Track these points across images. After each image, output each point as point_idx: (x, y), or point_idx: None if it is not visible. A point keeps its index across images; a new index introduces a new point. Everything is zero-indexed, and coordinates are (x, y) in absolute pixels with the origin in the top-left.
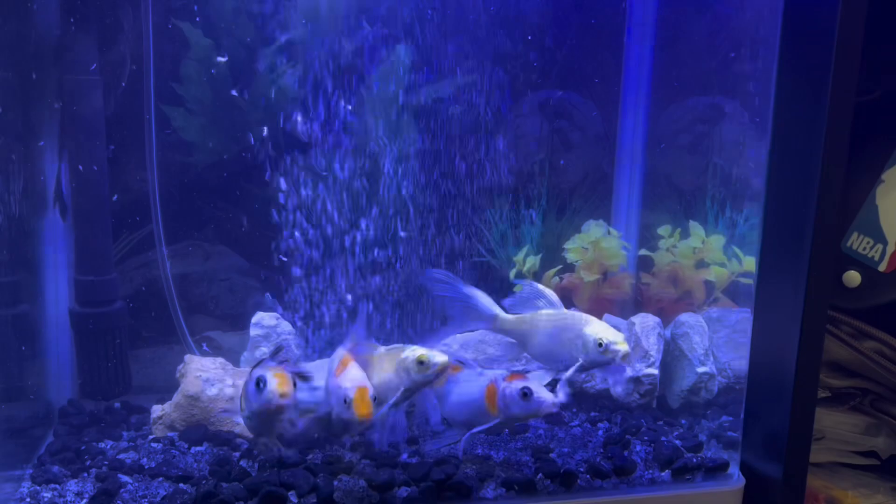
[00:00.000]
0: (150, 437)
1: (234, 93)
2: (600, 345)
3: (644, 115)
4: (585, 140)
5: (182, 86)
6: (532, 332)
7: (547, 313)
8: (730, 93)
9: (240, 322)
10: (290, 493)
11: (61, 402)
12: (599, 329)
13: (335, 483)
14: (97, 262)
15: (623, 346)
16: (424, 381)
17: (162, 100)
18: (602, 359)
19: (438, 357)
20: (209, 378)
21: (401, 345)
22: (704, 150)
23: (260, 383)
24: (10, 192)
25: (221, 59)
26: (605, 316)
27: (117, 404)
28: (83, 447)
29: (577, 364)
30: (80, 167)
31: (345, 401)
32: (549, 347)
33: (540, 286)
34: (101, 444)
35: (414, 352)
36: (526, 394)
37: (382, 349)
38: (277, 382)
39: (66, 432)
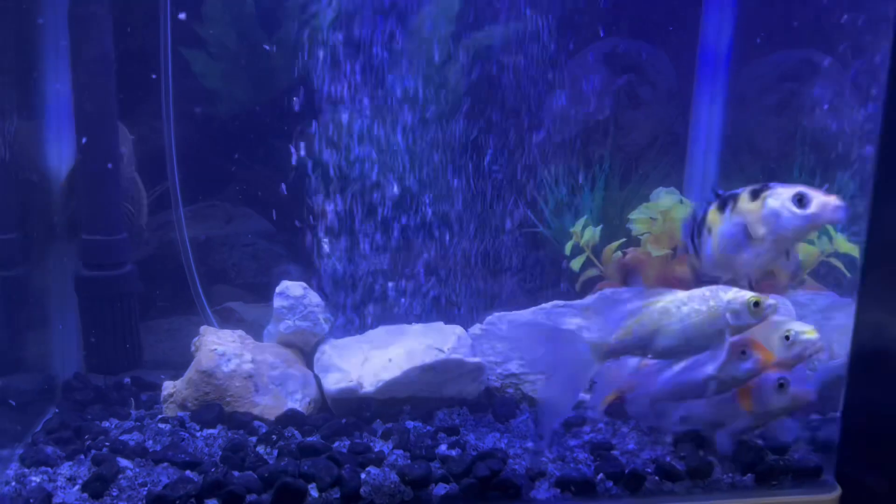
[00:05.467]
0: (159, 416)
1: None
2: (757, 304)
3: (724, 69)
4: (656, 97)
5: (204, 27)
6: (655, 332)
7: (668, 301)
8: (826, 45)
9: (264, 292)
10: (310, 485)
11: (66, 376)
12: (747, 293)
13: (362, 476)
14: (105, 221)
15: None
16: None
17: (182, 42)
18: (754, 321)
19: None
20: (225, 352)
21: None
22: (793, 111)
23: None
24: (5, 141)
25: None
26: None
27: (127, 379)
28: (84, 425)
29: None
30: (87, 114)
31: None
32: (686, 336)
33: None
34: (105, 423)
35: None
36: (782, 385)
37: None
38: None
39: (70, 408)
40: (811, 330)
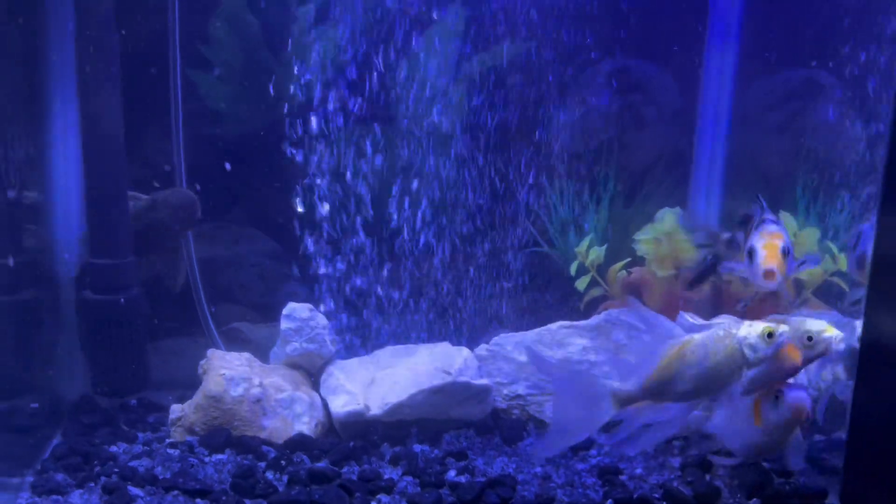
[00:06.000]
0: (167, 441)
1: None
2: (770, 334)
3: (729, 88)
4: (660, 116)
5: (210, 48)
6: (672, 379)
7: (684, 345)
8: (831, 64)
9: (270, 313)
10: None
11: (72, 398)
12: (759, 325)
13: None
14: (113, 244)
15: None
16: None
17: (189, 64)
18: (770, 350)
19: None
20: (234, 377)
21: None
22: (797, 130)
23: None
24: (11, 163)
25: None
26: (681, 314)
27: (133, 401)
28: (92, 451)
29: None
30: (96, 134)
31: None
32: (704, 379)
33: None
34: (114, 448)
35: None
36: (777, 396)
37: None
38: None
39: (77, 432)
40: (829, 327)
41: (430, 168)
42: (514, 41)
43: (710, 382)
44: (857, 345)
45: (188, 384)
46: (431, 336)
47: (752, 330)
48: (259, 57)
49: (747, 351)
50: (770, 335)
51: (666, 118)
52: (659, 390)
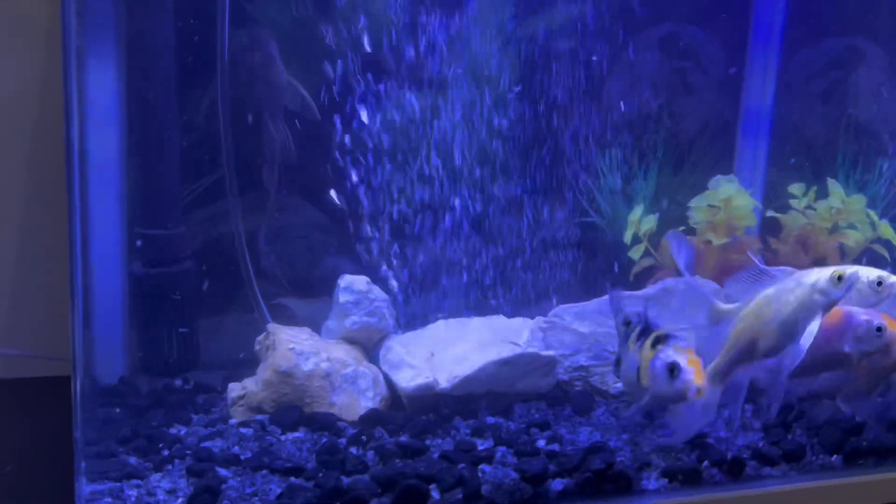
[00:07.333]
0: (233, 421)
1: None
2: (840, 277)
3: (776, 56)
4: (708, 84)
5: (256, 7)
6: (755, 338)
7: (758, 302)
8: (880, 33)
9: (317, 287)
10: (430, 486)
11: (112, 380)
12: (828, 270)
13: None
14: (162, 214)
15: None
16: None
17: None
18: (840, 293)
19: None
20: (303, 351)
21: None
22: (840, 98)
23: (674, 370)
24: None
25: None
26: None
27: (178, 381)
28: (155, 433)
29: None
30: (145, 100)
31: None
32: (785, 331)
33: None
34: (173, 430)
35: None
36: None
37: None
38: (694, 372)
39: (127, 414)
40: (890, 274)
41: (483, 137)
42: (564, 7)
43: (790, 333)
44: None
45: (232, 363)
46: (481, 309)
47: (821, 275)
48: (307, 17)
49: (818, 296)
50: (840, 278)
51: (713, 86)
52: (745, 354)
